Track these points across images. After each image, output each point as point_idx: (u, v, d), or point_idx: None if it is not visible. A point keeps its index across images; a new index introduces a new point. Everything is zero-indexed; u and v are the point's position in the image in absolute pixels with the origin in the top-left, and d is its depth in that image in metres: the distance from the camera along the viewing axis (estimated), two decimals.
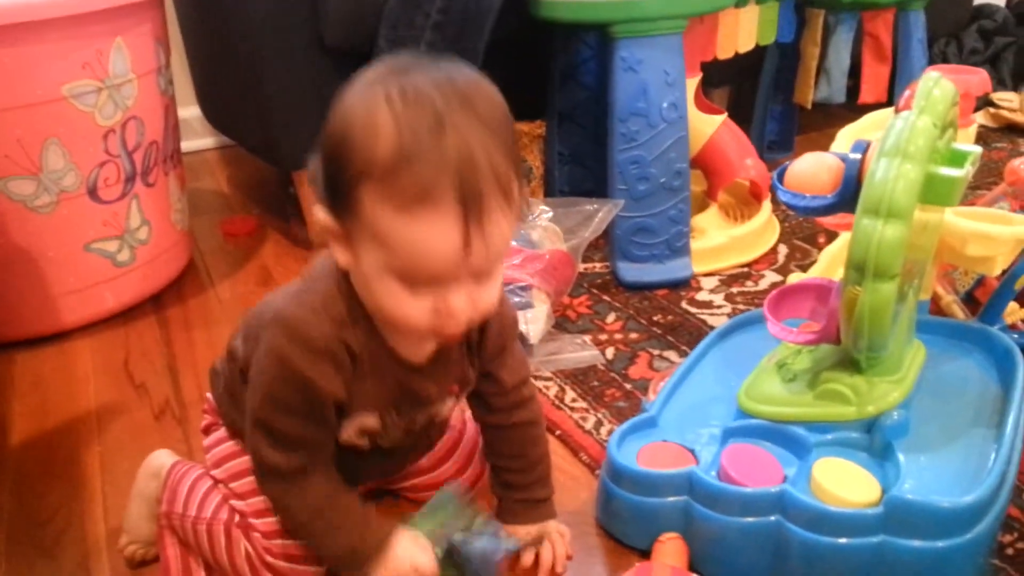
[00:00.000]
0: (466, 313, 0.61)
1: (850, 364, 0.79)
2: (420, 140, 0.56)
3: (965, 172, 0.69)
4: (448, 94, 0.57)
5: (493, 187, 0.57)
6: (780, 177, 0.78)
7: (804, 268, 1.30)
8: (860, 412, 0.78)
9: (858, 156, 0.72)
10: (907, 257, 0.71)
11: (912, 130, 0.67)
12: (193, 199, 1.52)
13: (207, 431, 0.82)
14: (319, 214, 0.63)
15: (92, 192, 1.22)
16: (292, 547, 0.73)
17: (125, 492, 0.92)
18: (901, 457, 0.75)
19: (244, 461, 0.76)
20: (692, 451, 0.83)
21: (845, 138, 0.95)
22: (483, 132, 0.57)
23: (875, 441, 0.78)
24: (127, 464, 0.99)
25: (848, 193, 0.72)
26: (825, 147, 0.99)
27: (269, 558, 0.72)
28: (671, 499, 0.78)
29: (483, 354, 0.74)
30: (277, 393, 0.66)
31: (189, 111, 1.86)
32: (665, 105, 1.22)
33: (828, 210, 0.74)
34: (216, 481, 0.77)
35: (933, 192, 0.69)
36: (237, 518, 0.74)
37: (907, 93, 0.70)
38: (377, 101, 0.57)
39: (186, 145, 1.48)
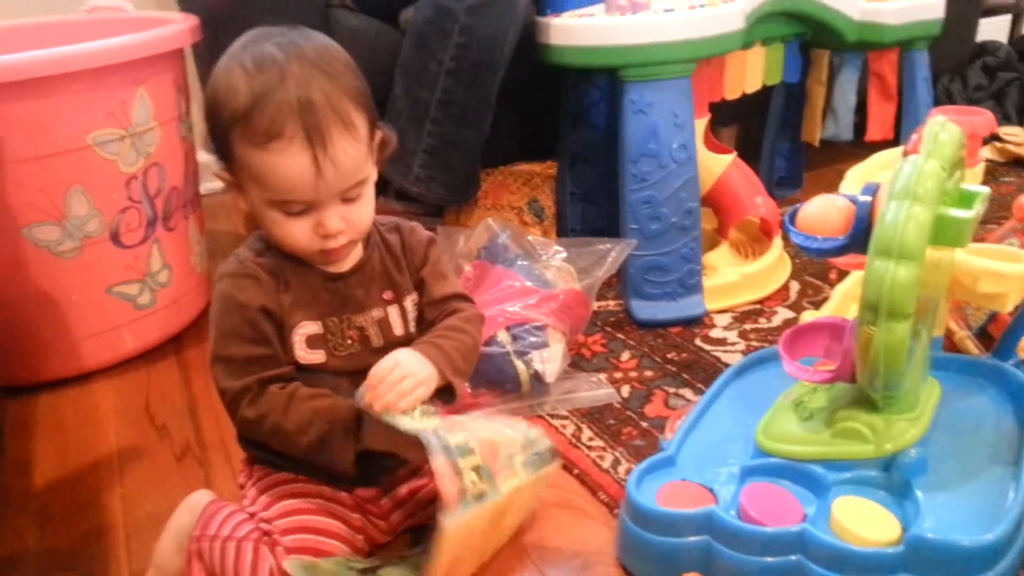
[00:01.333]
0: (340, 230, 0.73)
1: (866, 402, 0.80)
2: (267, 89, 0.69)
3: (975, 213, 0.71)
4: (290, 53, 0.71)
5: (333, 119, 0.70)
6: (792, 219, 0.79)
7: (816, 304, 1.31)
8: (878, 450, 0.79)
9: (868, 198, 0.74)
10: (920, 295, 0.72)
11: (921, 174, 0.69)
12: (211, 241, 1.55)
13: (243, 486, 0.85)
14: (216, 172, 0.76)
15: (115, 237, 1.25)
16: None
17: (148, 534, 0.93)
18: (920, 495, 0.76)
19: (277, 491, 0.79)
20: (711, 490, 0.83)
21: (853, 178, 0.97)
22: (321, 78, 0.70)
23: (893, 479, 0.78)
24: (150, 506, 1.01)
25: (859, 235, 0.73)
26: (834, 183, 1.01)
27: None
28: (691, 539, 0.79)
29: (411, 261, 0.83)
30: (220, 325, 0.76)
31: (203, 156, 1.89)
32: (675, 146, 1.24)
33: (840, 251, 0.76)
34: (250, 515, 0.79)
35: (944, 233, 0.71)
36: (265, 537, 0.76)
37: (915, 137, 0.72)
38: (233, 67, 0.72)
39: (203, 188, 1.51)
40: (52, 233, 1.20)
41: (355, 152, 0.73)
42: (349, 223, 0.75)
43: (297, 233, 0.74)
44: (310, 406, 0.74)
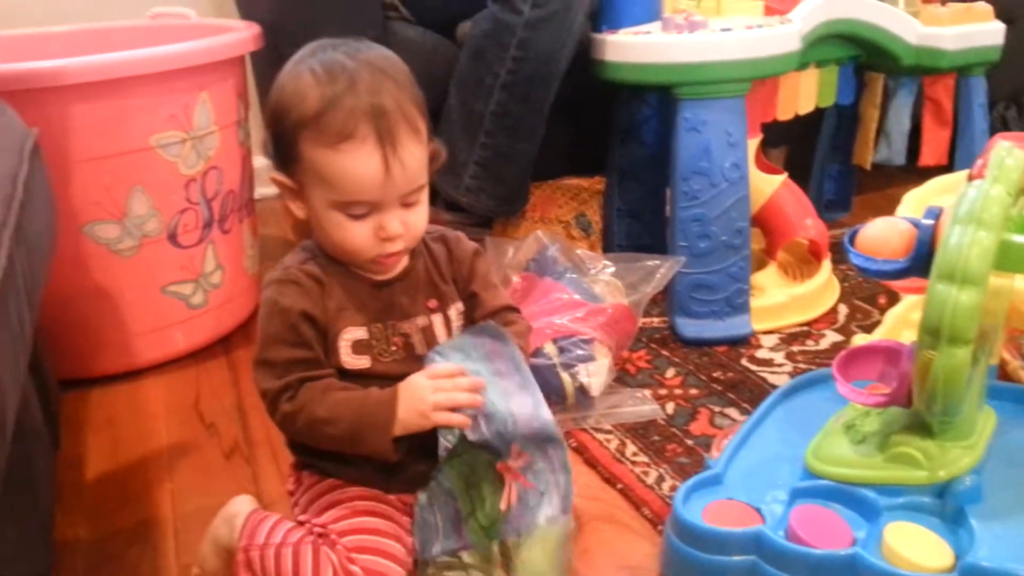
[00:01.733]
0: (400, 234, 0.75)
1: (921, 428, 0.79)
2: (338, 93, 0.72)
3: None
4: (358, 60, 0.74)
5: (401, 122, 0.73)
6: (851, 240, 0.79)
7: (865, 328, 1.30)
8: (932, 477, 0.78)
9: (931, 222, 0.73)
10: (980, 322, 0.71)
11: (986, 198, 0.68)
12: (261, 245, 1.57)
13: (292, 492, 0.85)
14: (274, 176, 0.78)
15: (172, 237, 1.28)
16: (375, 564, 0.75)
17: (195, 529, 0.95)
18: (974, 524, 0.74)
19: (327, 498, 0.80)
20: (758, 510, 0.83)
21: (911, 202, 0.96)
22: (389, 84, 0.73)
23: (947, 506, 0.77)
24: (197, 501, 1.02)
25: (921, 258, 0.73)
26: (883, 207, 1.00)
27: (353, 567, 0.74)
28: (738, 558, 0.78)
29: (458, 272, 0.85)
30: (266, 329, 0.77)
31: (259, 161, 1.92)
32: (727, 165, 1.24)
33: (900, 274, 0.75)
34: (300, 523, 0.79)
35: (1007, 260, 0.70)
36: (322, 539, 0.76)
37: (980, 162, 0.72)
38: (302, 73, 0.74)
39: (257, 193, 1.54)
40: (112, 231, 1.23)
41: (420, 155, 0.75)
42: (407, 228, 0.76)
43: (357, 236, 0.76)
44: (343, 395, 0.75)
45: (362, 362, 0.78)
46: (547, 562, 0.75)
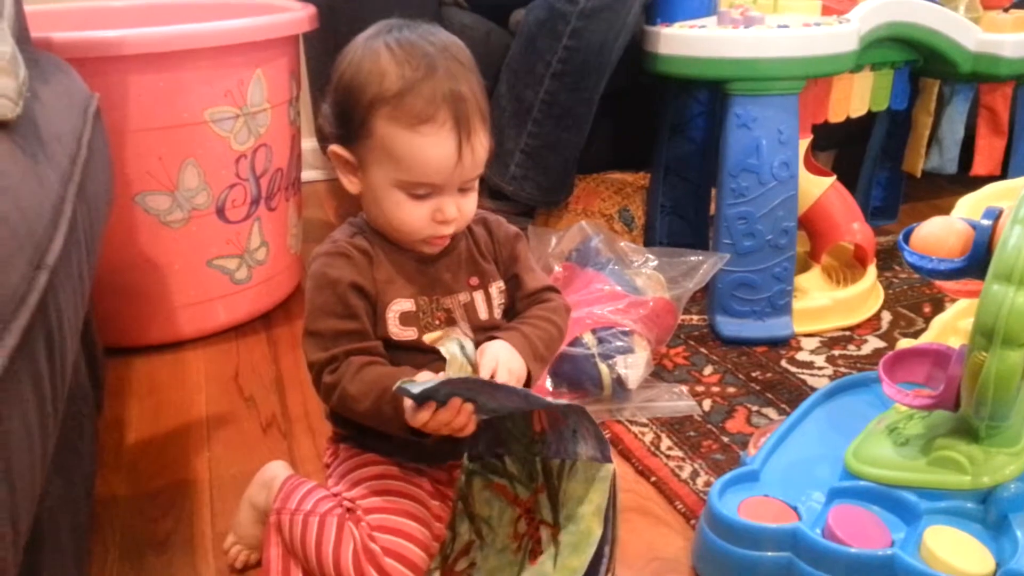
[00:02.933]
0: (455, 218, 0.77)
1: (966, 432, 0.78)
2: (419, 75, 0.73)
3: None
4: (434, 43, 0.75)
5: (476, 112, 0.74)
6: (906, 238, 0.78)
7: (908, 335, 1.28)
8: (975, 482, 0.77)
9: (989, 223, 0.72)
10: None
11: None
12: (304, 227, 1.59)
13: (328, 464, 0.86)
14: (334, 149, 0.78)
15: (220, 212, 1.30)
16: (395, 544, 0.76)
17: (231, 497, 0.96)
18: (1018, 533, 0.73)
19: (361, 472, 0.80)
20: (794, 508, 0.82)
21: (966, 207, 0.95)
22: (464, 71, 0.75)
23: (990, 513, 0.76)
24: (234, 470, 1.04)
25: (977, 259, 0.72)
26: (931, 217, 0.98)
27: (373, 545, 0.75)
28: (773, 554, 0.78)
29: (500, 254, 0.86)
30: (314, 300, 0.78)
31: (305, 143, 1.95)
32: (776, 163, 1.23)
33: (955, 274, 0.74)
34: (334, 494, 0.80)
35: None
36: (349, 514, 0.77)
37: None
38: (379, 50, 0.75)
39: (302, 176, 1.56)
40: (163, 203, 1.25)
41: (487, 144, 0.77)
42: (461, 212, 0.78)
43: (415, 216, 0.77)
44: (375, 373, 0.76)
45: (409, 333, 0.79)
46: (591, 502, 0.73)
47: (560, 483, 0.74)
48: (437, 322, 0.81)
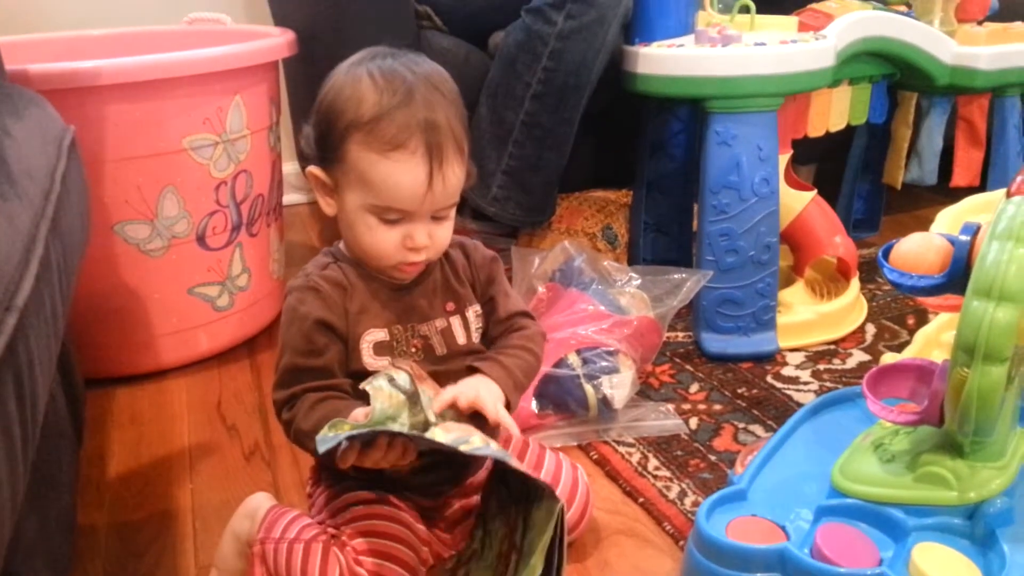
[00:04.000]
0: (426, 245, 0.77)
1: (951, 447, 0.78)
2: (395, 102, 0.74)
3: None
4: (416, 72, 0.76)
5: (451, 141, 0.75)
6: (885, 255, 0.78)
7: (893, 348, 1.28)
8: (962, 498, 0.76)
9: (967, 238, 0.72)
10: (1016, 341, 0.70)
11: None
12: (286, 251, 1.58)
13: (311, 495, 0.86)
14: (312, 171, 0.79)
15: (201, 239, 1.29)
16: (382, 568, 0.75)
17: (215, 529, 0.95)
18: (1005, 547, 0.73)
19: (343, 499, 0.80)
20: (783, 528, 0.81)
21: (945, 220, 0.95)
22: (442, 101, 0.75)
23: (977, 528, 0.76)
24: (217, 501, 1.03)
25: (957, 274, 0.72)
26: (912, 229, 0.99)
27: (359, 569, 0.75)
28: (761, 575, 0.77)
29: (477, 277, 0.86)
30: (283, 337, 0.79)
31: (287, 167, 1.94)
32: (757, 180, 1.24)
33: (935, 290, 0.74)
34: (318, 523, 0.80)
35: None
36: (334, 540, 0.77)
37: (1019, 179, 0.71)
38: (360, 76, 0.76)
39: (284, 199, 1.55)
40: (142, 231, 1.24)
41: (461, 174, 0.77)
42: (433, 241, 0.78)
43: (385, 241, 0.77)
44: (327, 408, 0.75)
45: (383, 363, 0.79)
46: (545, 534, 0.69)
47: (531, 508, 0.73)
48: (413, 349, 0.81)
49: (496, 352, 0.83)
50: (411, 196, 0.75)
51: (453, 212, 0.80)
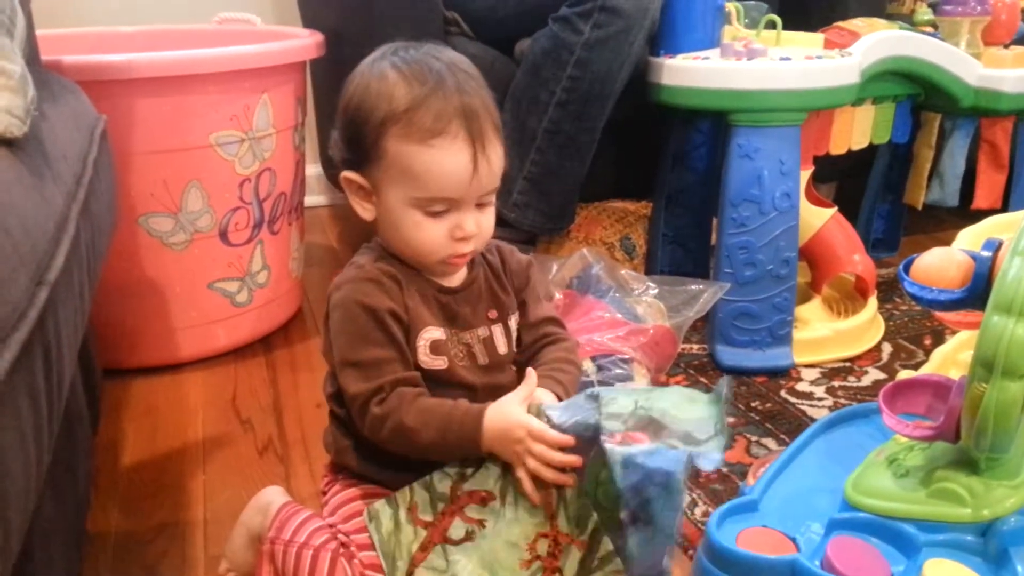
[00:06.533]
0: (475, 233, 0.75)
1: (966, 464, 0.78)
2: (427, 90, 0.72)
3: None
4: (440, 59, 0.75)
5: (489, 123, 0.74)
6: (906, 268, 0.78)
7: (909, 367, 1.27)
8: (975, 515, 0.76)
9: (989, 254, 0.72)
10: None
11: None
12: (305, 251, 1.60)
13: (325, 492, 0.86)
14: (347, 175, 0.77)
15: (223, 234, 1.30)
16: None
17: (225, 521, 0.95)
18: (1019, 567, 0.72)
19: (356, 505, 0.79)
20: (793, 540, 0.81)
21: (967, 239, 0.95)
22: (473, 84, 0.75)
23: (990, 546, 0.75)
24: (228, 494, 1.03)
25: (978, 290, 0.72)
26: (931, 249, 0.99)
27: None
28: None
29: (513, 280, 0.84)
30: (348, 331, 0.76)
31: (309, 169, 1.96)
32: (778, 194, 1.24)
33: (955, 305, 0.74)
34: (329, 525, 0.79)
35: None
36: (343, 549, 0.76)
37: None
38: (385, 70, 0.74)
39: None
40: (166, 225, 1.26)
41: (502, 155, 0.76)
42: (480, 229, 0.77)
43: (434, 235, 0.75)
44: (430, 402, 0.74)
45: (439, 362, 0.78)
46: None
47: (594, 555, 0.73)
48: (459, 351, 0.80)
49: (552, 369, 0.81)
50: (458, 182, 0.73)
51: (494, 199, 0.79)
